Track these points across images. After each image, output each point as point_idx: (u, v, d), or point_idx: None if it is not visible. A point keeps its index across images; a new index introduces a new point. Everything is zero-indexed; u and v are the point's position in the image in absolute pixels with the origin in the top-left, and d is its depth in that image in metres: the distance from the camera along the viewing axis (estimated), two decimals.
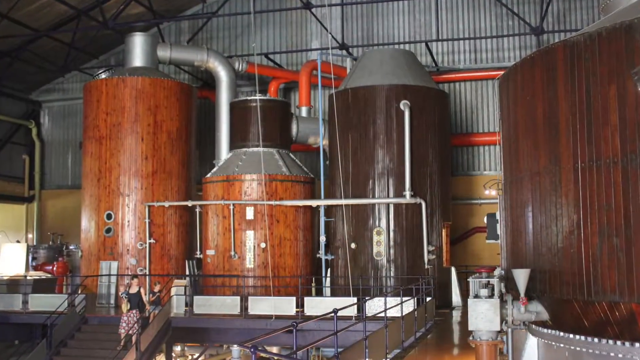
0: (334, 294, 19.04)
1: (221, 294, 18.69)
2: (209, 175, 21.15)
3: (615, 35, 7.74)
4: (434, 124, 19.58)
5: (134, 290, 15.62)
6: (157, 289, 17.37)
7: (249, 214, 19.76)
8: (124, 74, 21.75)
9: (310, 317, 14.23)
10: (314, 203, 20.19)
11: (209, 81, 25.39)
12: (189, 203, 21.06)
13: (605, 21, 8.63)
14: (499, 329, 8.82)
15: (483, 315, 8.72)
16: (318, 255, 20.13)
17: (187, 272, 21.02)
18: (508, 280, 9.27)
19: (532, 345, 9.29)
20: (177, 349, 20.29)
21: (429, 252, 18.73)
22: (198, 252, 20.90)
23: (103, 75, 23.68)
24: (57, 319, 16.74)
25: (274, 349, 18.09)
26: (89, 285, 20.05)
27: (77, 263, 22.94)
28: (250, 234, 19.72)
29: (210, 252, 20.21)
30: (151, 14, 24.36)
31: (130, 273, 19.66)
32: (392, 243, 18.79)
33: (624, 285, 7.46)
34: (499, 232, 10.45)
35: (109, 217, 20.87)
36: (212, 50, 23.32)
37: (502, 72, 10.10)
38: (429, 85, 20.13)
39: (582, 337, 8.11)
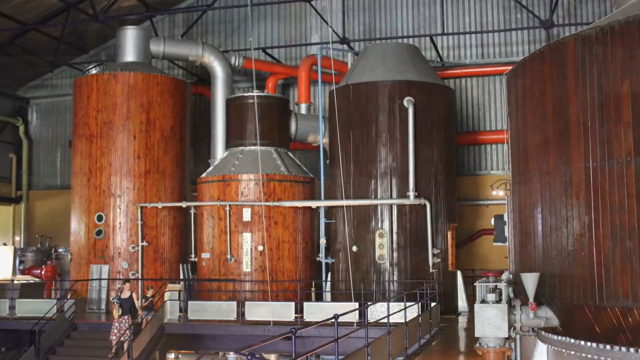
0: (334, 299, 19.04)
1: (217, 299, 18.69)
2: (204, 175, 21.15)
3: (629, 29, 7.74)
4: (439, 121, 19.59)
5: (125, 295, 15.61)
6: (150, 293, 17.36)
7: (246, 215, 19.76)
8: (115, 70, 21.74)
9: (309, 323, 14.23)
10: (313, 204, 20.19)
11: (204, 77, 25.39)
12: (183, 204, 21.07)
13: (617, 14, 8.62)
14: (506, 335, 8.82)
15: (490, 321, 8.73)
16: (318, 259, 20.14)
17: (181, 276, 21.02)
18: (516, 285, 9.28)
19: (541, 353, 9.29)
20: (171, 356, 20.29)
21: (433, 255, 18.73)
22: (193, 255, 20.90)
23: (94, 71, 23.69)
24: (45, 325, 16.74)
25: (272, 357, 18.10)
26: (78, 290, 20.05)
27: (67, 267, 22.95)
28: (247, 236, 19.72)
29: (205, 255, 20.22)
30: (144, 7, 24.36)
31: (122, 277, 19.67)
32: (395, 246, 18.79)
33: (637, 290, 7.46)
34: (506, 235, 10.45)
35: (99, 218, 20.87)
36: (208, 45, 23.32)
37: (510, 68, 10.10)
38: (434, 81, 20.14)
39: (594, 344, 8.11)
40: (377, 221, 18.97)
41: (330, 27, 22.70)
